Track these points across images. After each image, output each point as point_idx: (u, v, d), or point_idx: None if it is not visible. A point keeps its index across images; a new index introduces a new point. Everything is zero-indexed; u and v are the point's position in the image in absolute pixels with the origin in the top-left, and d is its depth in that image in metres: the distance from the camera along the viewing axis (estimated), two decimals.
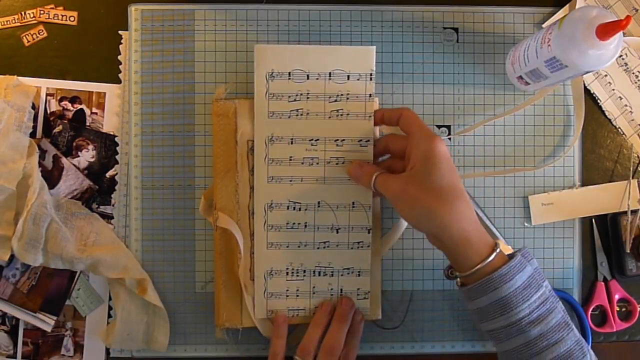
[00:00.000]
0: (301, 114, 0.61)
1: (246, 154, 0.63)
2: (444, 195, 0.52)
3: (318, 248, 0.62)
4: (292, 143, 0.62)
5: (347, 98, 0.61)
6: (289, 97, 0.61)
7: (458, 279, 0.55)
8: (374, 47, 0.60)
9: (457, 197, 0.52)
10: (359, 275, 0.63)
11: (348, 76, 0.61)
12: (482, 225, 0.53)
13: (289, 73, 0.61)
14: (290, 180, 0.62)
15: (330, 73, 0.61)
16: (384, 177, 0.56)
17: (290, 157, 0.62)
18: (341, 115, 0.61)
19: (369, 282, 0.63)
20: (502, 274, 0.51)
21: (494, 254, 0.52)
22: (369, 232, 0.63)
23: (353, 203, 0.62)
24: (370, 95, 0.61)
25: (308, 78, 0.61)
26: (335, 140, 0.61)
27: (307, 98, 0.61)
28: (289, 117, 0.61)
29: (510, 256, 0.53)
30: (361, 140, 0.61)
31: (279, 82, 0.61)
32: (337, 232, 0.62)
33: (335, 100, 0.61)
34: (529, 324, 0.51)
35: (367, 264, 0.63)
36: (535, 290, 0.51)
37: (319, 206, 0.62)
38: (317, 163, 0.62)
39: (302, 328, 0.64)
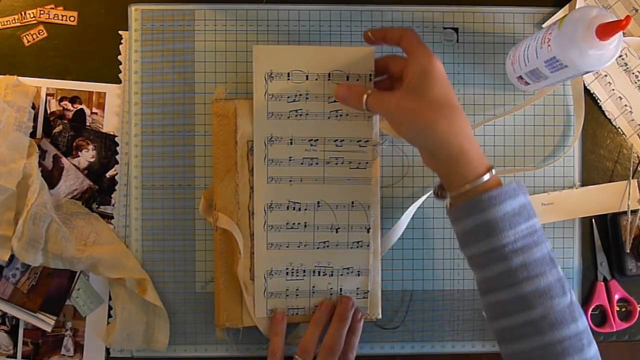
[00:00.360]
0: (300, 115, 0.61)
1: (246, 155, 0.63)
2: (442, 109, 0.51)
3: (318, 248, 0.63)
4: (291, 143, 0.62)
5: None
6: (288, 97, 0.61)
7: (447, 200, 0.54)
8: (374, 47, 0.60)
9: (456, 112, 0.51)
10: (358, 274, 0.63)
11: (347, 77, 0.60)
12: (479, 146, 0.52)
13: (288, 73, 0.60)
14: (290, 181, 0.62)
15: (329, 74, 0.61)
16: (378, 95, 0.55)
17: (290, 157, 0.62)
18: (340, 115, 0.61)
19: (368, 282, 0.63)
20: (493, 196, 0.49)
21: (489, 174, 0.51)
22: (368, 232, 0.63)
23: (352, 203, 0.62)
24: None
25: (307, 79, 0.61)
26: (335, 141, 0.61)
27: (307, 98, 0.61)
28: (288, 117, 0.61)
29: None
30: (360, 140, 0.61)
31: (278, 83, 0.61)
32: (337, 232, 0.62)
33: (335, 101, 0.61)
34: (512, 252, 0.49)
35: (367, 264, 0.63)
36: (525, 220, 0.50)
37: (318, 206, 0.62)
38: (317, 163, 0.62)
39: (302, 327, 0.64)
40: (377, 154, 0.62)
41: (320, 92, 0.61)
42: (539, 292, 0.49)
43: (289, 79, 0.61)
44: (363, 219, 0.63)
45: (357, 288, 0.63)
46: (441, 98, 0.51)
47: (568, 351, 0.48)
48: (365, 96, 0.55)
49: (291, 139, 0.62)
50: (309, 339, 0.60)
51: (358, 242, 0.63)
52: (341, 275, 0.63)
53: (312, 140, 0.62)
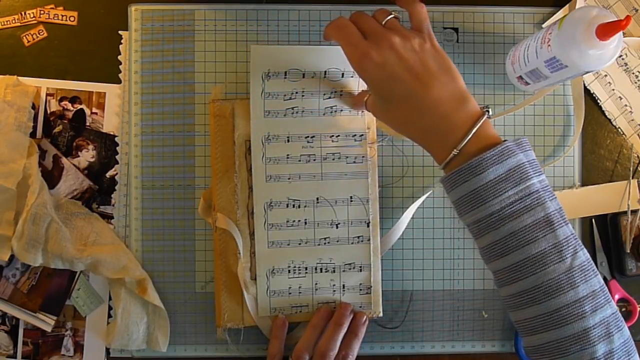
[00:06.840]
0: (296, 112, 0.61)
1: (244, 154, 0.63)
2: (392, 107, 0.52)
3: (319, 245, 0.63)
4: (288, 141, 0.62)
5: (341, 94, 0.62)
6: (285, 95, 0.61)
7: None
8: None
9: (403, 101, 0.51)
10: (360, 270, 0.63)
11: (342, 74, 0.61)
12: (464, 101, 0.50)
13: (285, 72, 0.61)
14: (289, 178, 0.62)
15: (325, 72, 0.61)
16: (369, 99, 0.57)
17: (288, 155, 0.62)
18: (335, 111, 0.62)
19: (370, 277, 0.63)
20: (473, 166, 0.47)
21: (465, 139, 0.48)
22: (368, 226, 0.63)
23: (351, 197, 0.62)
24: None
25: (304, 77, 0.61)
26: (331, 136, 0.62)
27: (302, 96, 0.61)
28: (285, 115, 0.61)
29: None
30: (355, 135, 0.62)
31: (274, 82, 0.61)
32: (337, 228, 0.63)
33: (330, 97, 0.61)
34: (499, 221, 0.47)
35: (368, 259, 0.63)
36: (514, 185, 0.47)
37: (317, 202, 0.62)
38: (314, 160, 0.62)
39: (301, 327, 0.64)
40: (374, 148, 0.63)
41: (315, 89, 0.61)
42: (530, 261, 0.47)
43: (285, 78, 0.61)
44: (362, 214, 0.63)
45: (360, 284, 0.63)
46: (386, 94, 0.52)
47: (567, 319, 0.46)
48: (365, 99, 0.57)
49: (288, 137, 0.62)
50: (304, 344, 0.60)
51: (359, 236, 0.63)
52: (343, 271, 0.63)
53: (308, 137, 0.62)
